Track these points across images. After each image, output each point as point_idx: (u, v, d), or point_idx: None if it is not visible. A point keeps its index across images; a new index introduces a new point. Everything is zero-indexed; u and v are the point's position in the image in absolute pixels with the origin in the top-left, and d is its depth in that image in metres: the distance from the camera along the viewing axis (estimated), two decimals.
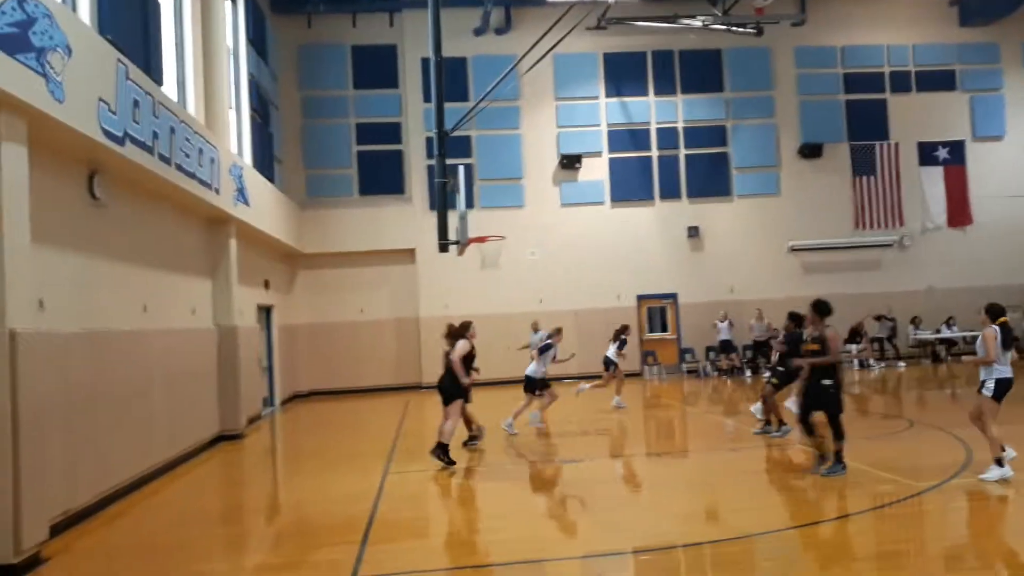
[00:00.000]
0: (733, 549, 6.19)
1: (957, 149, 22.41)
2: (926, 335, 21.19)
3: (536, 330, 17.54)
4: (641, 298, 21.49)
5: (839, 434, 8.23)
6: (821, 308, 8.55)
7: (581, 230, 21.26)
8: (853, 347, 20.68)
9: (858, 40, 22.27)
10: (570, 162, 21.18)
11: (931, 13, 22.35)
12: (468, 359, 9.97)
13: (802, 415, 8.57)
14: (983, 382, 7.91)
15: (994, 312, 7.95)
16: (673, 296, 21.57)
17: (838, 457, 8.25)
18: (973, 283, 21.76)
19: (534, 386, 12.83)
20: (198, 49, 13.34)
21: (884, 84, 22.40)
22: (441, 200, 13.92)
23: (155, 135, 9.62)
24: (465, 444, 11.20)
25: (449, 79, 18.79)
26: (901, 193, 22.16)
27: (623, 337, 15.05)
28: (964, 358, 9.29)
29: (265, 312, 17.82)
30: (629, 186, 21.55)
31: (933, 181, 22.37)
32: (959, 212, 22.35)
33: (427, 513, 8.43)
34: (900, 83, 22.42)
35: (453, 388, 9.83)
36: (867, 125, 22.20)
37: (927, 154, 22.32)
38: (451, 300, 20.61)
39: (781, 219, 21.83)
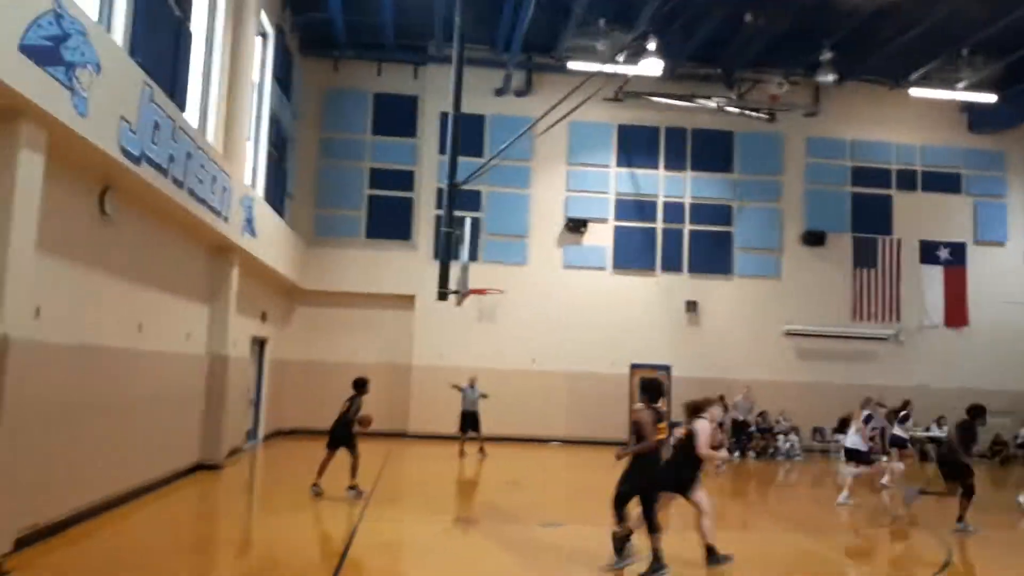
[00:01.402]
0: None
1: (958, 251, 22.64)
2: (916, 432, 21.04)
3: (472, 385, 17.37)
4: (635, 367, 21.43)
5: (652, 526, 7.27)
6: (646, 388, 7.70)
7: (580, 293, 21.37)
8: (842, 437, 20.52)
9: (868, 135, 22.72)
10: (576, 226, 21.41)
11: (940, 116, 22.82)
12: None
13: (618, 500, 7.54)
14: None
15: None
16: (667, 368, 21.52)
17: (655, 555, 7.19)
18: (965, 384, 21.70)
19: (860, 457, 12.55)
20: (224, 80, 13.65)
21: (890, 180, 22.76)
22: (445, 250, 14.04)
23: (171, 158, 9.79)
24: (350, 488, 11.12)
25: (465, 134, 19.10)
26: (900, 288, 22.31)
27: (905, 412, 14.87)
28: None
29: (259, 344, 17.81)
30: (632, 255, 21.74)
31: (933, 280, 22.55)
32: (956, 313, 22.46)
33: (396, 564, 8.30)
34: (906, 181, 22.78)
35: (688, 472, 7.86)
36: (871, 218, 22.49)
37: (928, 252, 22.55)
38: (445, 350, 20.61)
39: (779, 302, 21.94)
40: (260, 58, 16.85)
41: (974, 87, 20.40)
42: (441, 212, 16.18)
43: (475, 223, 17.95)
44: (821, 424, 21.22)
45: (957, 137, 23.04)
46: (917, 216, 22.63)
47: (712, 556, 7.63)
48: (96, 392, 8.92)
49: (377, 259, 21.00)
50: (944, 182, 22.88)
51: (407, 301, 20.96)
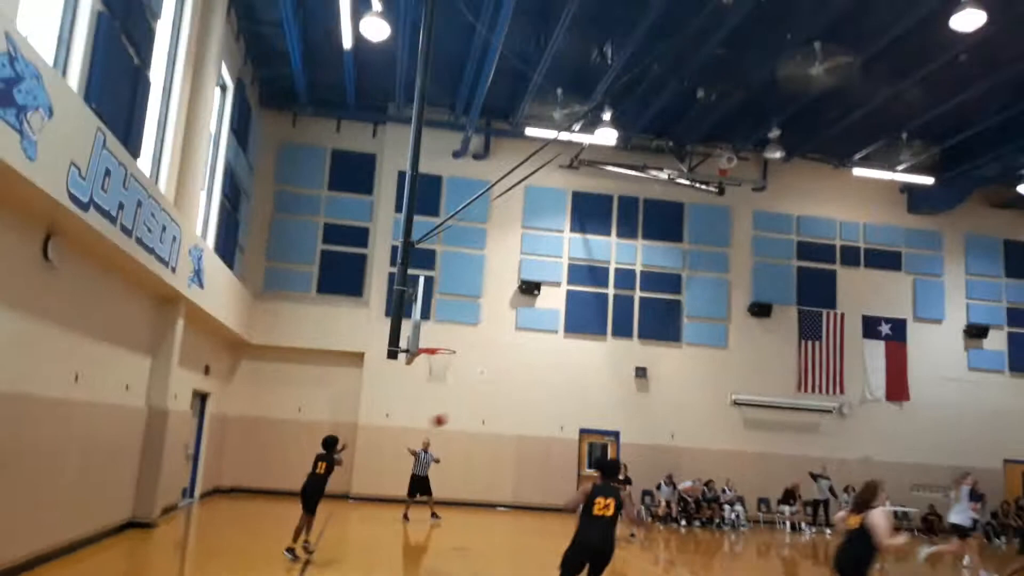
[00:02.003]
0: None
1: (899, 327, 23.28)
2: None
3: (426, 449, 17.19)
4: (584, 432, 21.39)
5: None
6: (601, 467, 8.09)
7: (532, 356, 21.36)
8: (787, 508, 20.66)
9: (813, 212, 23.46)
10: (529, 288, 21.53)
11: (882, 196, 23.71)
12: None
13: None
14: None
15: None
16: (615, 434, 21.51)
17: None
18: (906, 459, 22.16)
19: (964, 532, 13.77)
20: (180, 129, 13.56)
21: (835, 256, 23.44)
22: (397, 307, 13.90)
23: (121, 206, 9.62)
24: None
25: (422, 193, 19.25)
26: (843, 362, 22.76)
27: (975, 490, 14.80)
28: None
29: (200, 398, 17.32)
30: (584, 319, 21.88)
31: (875, 354, 23.08)
32: (897, 387, 22.96)
33: None
34: (850, 257, 23.49)
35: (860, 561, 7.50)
36: (816, 292, 23.06)
37: (871, 327, 23.13)
38: (393, 409, 20.31)
39: (727, 371, 22.21)
40: (218, 109, 16.82)
41: (913, 170, 21.33)
42: (394, 269, 16.13)
43: (428, 282, 17.88)
44: (766, 495, 21.31)
45: (897, 217, 23.93)
46: (860, 291, 23.28)
47: None
48: (26, 442, 8.53)
49: (327, 315, 20.75)
50: (885, 260, 23.65)
51: (356, 358, 20.69)
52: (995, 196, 23.80)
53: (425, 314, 17.94)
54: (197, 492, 17.30)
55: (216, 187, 17.04)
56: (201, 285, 14.17)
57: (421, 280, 14.29)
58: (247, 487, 19.44)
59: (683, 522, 19.76)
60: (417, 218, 14.49)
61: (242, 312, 18.86)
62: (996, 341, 23.69)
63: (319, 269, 21.15)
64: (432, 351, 14.67)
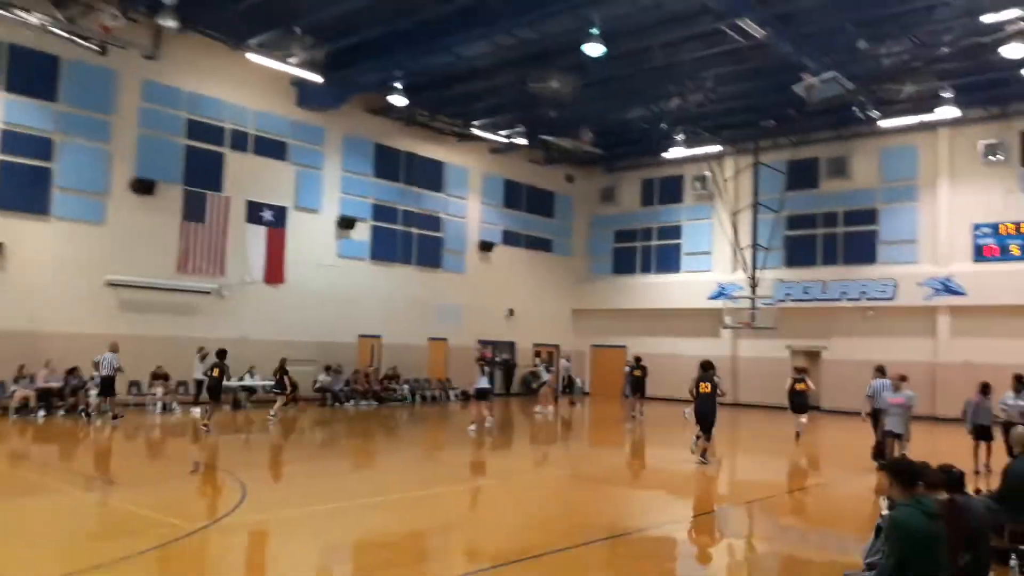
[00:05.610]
0: None
1: (280, 214, 24.57)
2: (230, 383, 22.20)
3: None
4: None
5: None
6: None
7: None
8: (159, 390, 20.50)
9: (206, 91, 22.85)
10: None
11: (274, 86, 24.27)
12: None
13: None
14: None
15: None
16: None
17: None
18: (279, 337, 23.90)
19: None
20: None
21: (224, 139, 23.33)
22: None
23: None
24: None
25: None
26: (226, 245, 23.14)
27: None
28: None
29: None
30: None
31: (256, 239, 23.99)
32: (275, 271, 24.39)
33: None
34: (239, 142, 23.66)
35: None
36: (203, 173, 22.71)
37: (254, 213, 23.88)
38: None
39: (102, 250, 20.57)
40: None
41: (304, 65, 22.25)
42: None
43: None
44: (138, 377, 20.72)
45: (286, 109, 24.89)
46: (246, 177, 23.75)
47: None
48: None
49: None
50: (272, 148, 24.51)
51: None
52: (371, 102, 26.53)
53: None
54: None
55: None
56: None
57: None
58: None
59: (42, 412, 18.05)
60: None
61: None
62: (362, 232, 26.90)
63: None
64: None
